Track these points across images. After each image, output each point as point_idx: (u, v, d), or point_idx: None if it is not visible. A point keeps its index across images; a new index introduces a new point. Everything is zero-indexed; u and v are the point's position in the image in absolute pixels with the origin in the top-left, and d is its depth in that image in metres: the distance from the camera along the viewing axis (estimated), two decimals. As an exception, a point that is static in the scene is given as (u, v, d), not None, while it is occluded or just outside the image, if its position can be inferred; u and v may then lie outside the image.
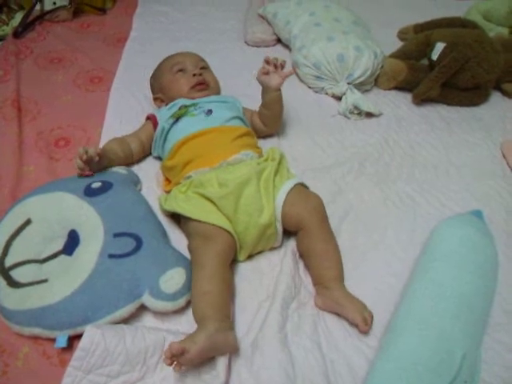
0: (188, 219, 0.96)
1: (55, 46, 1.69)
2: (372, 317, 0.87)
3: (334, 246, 0.98)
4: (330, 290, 0.90)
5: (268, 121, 1.25)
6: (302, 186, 1.05)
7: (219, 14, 1.98)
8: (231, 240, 0.94)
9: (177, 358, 0.73)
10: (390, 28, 1.83)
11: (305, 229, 0.97)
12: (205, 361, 0.78)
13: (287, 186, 1.01)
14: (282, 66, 1.17)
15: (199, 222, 0.94)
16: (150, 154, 1.21)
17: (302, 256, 0.99)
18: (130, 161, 1.17)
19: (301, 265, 0.99)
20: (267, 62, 1.17)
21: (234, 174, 1.00)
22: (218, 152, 1.06)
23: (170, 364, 0.74)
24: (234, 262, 0.98)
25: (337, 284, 0.92)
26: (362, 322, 0.85)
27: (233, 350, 0.82)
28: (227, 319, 0.84)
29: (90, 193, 0.98)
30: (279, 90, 1.19)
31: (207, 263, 0.88)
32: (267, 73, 1.17)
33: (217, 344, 0.78)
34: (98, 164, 1.05)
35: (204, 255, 0.89)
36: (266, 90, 1.20)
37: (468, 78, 1.43)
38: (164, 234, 0.99)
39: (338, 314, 0.90)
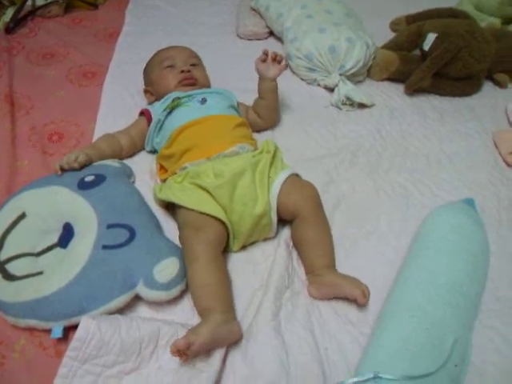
0: (181, 209, 0.97)
1: (47, 42, 1.69)
2: (368, 290, 0.88)
3: (327, 234, 0.99)
4: (321, 277, 0.91)
5: (264, 112, 1.26)
6: (297, 176, 1.06)
7: (211, 8, 1.97)
8: (222, 229, 0.94)
9: (183, 352, 0.74)
10: (382, 19, 1.82)
11: (300, 217, 0.98)
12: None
13: (282, 176, 1.02)
14: (279, 61, 1.21)
15: (192, 211, 0.94)
16: (142, 149, 1.22)
17: (295, 245, 1.00)
18: (118, 157, 1.17)
19: (294, 255, 1.00)
20: (266, 53, 1.21)
21: (230, 166, 1.01)
22: (215, 142, 1.07)
23: (179, 357, 0.75)
24: (227, 252, 0.99)
25: (328, 270, 0.93)
26: (360, 295, 0.86)
27: (238, 338, 0.83)
28: (230, 309, 0.86)
29: (83, 186, 0.99)
30: (275, 80, 1.22)
31: (200, 254, 0.88)
32: (264, 61, 1.21)
33: (220, 336, 0.79)
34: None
35: (196, 246, 0.90)
36: (262, 79, 1.23)
37: (460, 68, 1.43)
38: (157, 225, 0.99)
39: (333, 299, 0.91)
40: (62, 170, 1.04)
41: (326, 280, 0.90)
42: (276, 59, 1.20)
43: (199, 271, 0.87)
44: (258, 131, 1.29)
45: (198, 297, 0.86)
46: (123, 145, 1.17)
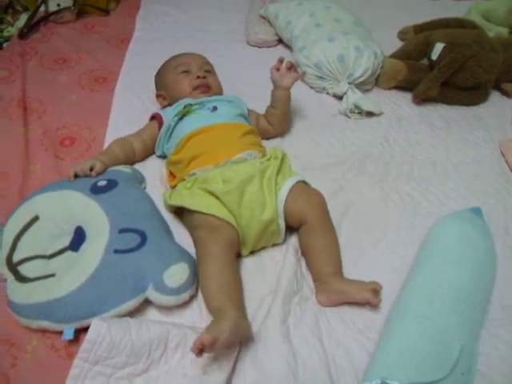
0: (192, 213, 0.98)
1: (60, 47, 1.71)
2: (380, 286, 0.89)
3: (334, 242, 1.00)
4: (329, 284, 0.92)
5: (275, 120, 1.28)
6: (304, 183, 1.07)
7: (221, 15, 1.99)
8: (235, 233, 0.96)
9: (207, 348, 0.74)
10: (390, 28, 1.85)
11: (307, 224, 0.99)
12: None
13: (289, 183, 1.03)
14: (295, 69, 1.25)
15: (203, 214, 0.96)
16: (153, 153, 1.23)
17: (302, 252, 1.01)
18: (131, 161, 1.19)
19: (303, 261, 1.00)
20: (281, 61, 1.24)
21: (238, 172, 1.02)
22: (223, 149, 1.08)
23: (200, 354, 0.74)
24: (237, 256, 0.99)
25: (335, 277, 0.93)
26: (371, 296, 0.87)
27: (245, 337, 0.84)
28: (243, 308, 0.87)
29: (95, 191, 1.01)
30: (289, 89, 1.25)
31: (217, 254, 0.90)
32: (279, 69, 1.24)
33: (241, 331, 0.81)
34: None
35: (211, 247, 0.91)
36: (276, 87, 1.26)
37: (467, 78, 1.44)
38: (168, 231, 1.01)
39: (341, 305, 0.91)
40: (76, 176, 1.06)
41: (334, 287, 0.91)
42: (291, 68, 1.23)
43: (215, 271, 0.88)
44: (268, 138, 1.30)
45: (212, 295, 0.87)
46: (136, 149, 1.18)
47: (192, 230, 1.00)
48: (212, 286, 0.87)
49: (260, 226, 0.98)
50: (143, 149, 1.20)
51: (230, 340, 0.77)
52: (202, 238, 0.94)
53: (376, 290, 0.89)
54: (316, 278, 0.96)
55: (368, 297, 0.88)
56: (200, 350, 0.74)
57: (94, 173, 1.06)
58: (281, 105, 1.27)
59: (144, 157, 1.22)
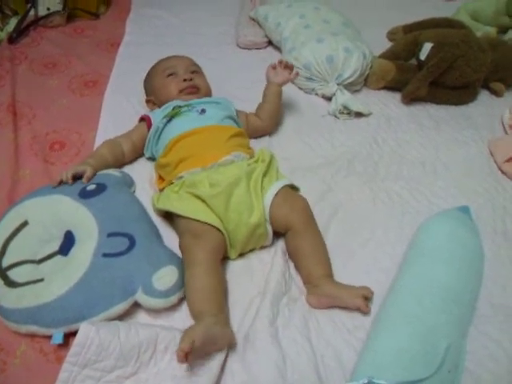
0: (179, 217, 0.99)
1: (49, 51, 1.71)
2: (371, 292, 0.90)
3: (321, 245, 1.00)
4: (320, 287, 0.92)
5: (265, 115, 1.30)
6: (291, 187, 1.07)
7: (212, 18, 1.99)
8: (221, 238, 0.96)
9: (188, 354, 0.75)
10: (379, 28, 1.85)
11: (292, 230, 0.99)
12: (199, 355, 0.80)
13: (275, 187, 1.03)
14: (291, 69, 1.31)
15: (190, 219, 0.96)
16: (143, 154, 1.24)
17: (290, 256, 1.01)
18: (120, 163, 1.19)
19: (291, 263, 1.01)
20: (280, 61, 1.31)
21: (225, 175, 1.02)
22: (211, 152, 1.08)
23: (185, 361, 0.76)
24: (225, 259, 1.00)
25: (326, 279, 0.93)
26: (362, 304, 0.88)
27: (230, 344, 0.84)
28: (222, 314, 0.87)
29: (84, 195, 1.01)
30: (280, 86, 1.31)
31: (200, 260, 0.90)
32: (275, 68, 1.30)
33: (214, 336, 0.80)
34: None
35: (196, 252, 0.91)
36: (269, 83, 1.31)
37: (456, 77, 1.45)
38: (157, 234, 1.01)
39: (331, 308, 0.92)
40: (61, 183, 1.05)
41: (326, 291, 0.91)
42: (287, 66, 1.30)
43: (196, 276, 0.89)
44: (257, 137, 1.31)
45: (192, 300, 0.87)
46: (125, 150, 1.19)
47: (179, 234, 1.01)
48: (192, 291, 0.88)
49: (248, 230, 0.98)
50: (132, 150, 1.20)
51: (203, 342, 0.77)
52: (188, 245, 0.94)
53: (367, 296, 0.89)
54: (307, 280, 0.96)
55: (359, 304, 0.88)
56: (183, 358, 0.75)
57: (84, 179, 1.06)
58: (272, 100, 1.30)
59: (133, 158, 1.23)
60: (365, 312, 0.89)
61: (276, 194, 1.02)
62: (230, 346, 0.84)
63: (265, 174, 1.06)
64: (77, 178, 1.06)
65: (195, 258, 0.91)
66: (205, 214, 0.97)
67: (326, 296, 0.91)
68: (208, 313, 0.83)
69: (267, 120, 1.31)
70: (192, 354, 0.76)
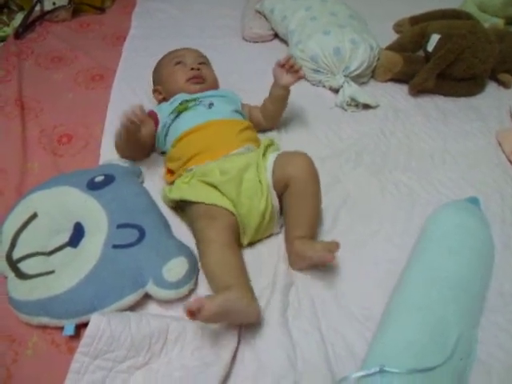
0: (192, 205, 0.99)
1: (55, 46, 1.71)
2: (337, 244, 0.89)
3: (311, 204, 0.99)
4: (293, 248, 0.94)
5: (268, 115, 1.28)
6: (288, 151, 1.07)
7: (217, 11, 2.00)
8: (235, 220, 0.96)
9: (194, 314, 0.75)
10: (386, 20, 1.85)
11: (291, 185, 0.98)
12: (207, 344, 0.80)
13: (272, 156, 1.04)
14: (297, 71, 1.19)
15: (203, 204, 0.96)
16: (151, 151, 1.24)
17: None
18: (143, 151, 1.21)
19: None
20: (287, 58, 1.19)
21: (235, 163, 1.03)
22: (221, 146, 1.08)
23: (191, 318, 0.76)
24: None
25: (299, 240, 0.94)
26: (326, 256, 0.88)
27: (255, 320, 0.84)
28: (248, 288, 0.86)
29: (93, 186, 1.01)
30: (288, 88, 1.23)
31: (216, 238, 0.90)
32: (282, 66, 1.20)
33: (234, 310, 0.79)
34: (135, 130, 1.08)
35: (210, 233, 0.91)
36: (276, 85, 1.24)
37: (463, 69, 1.45)
38: (166, 225, 1.01)
39: (338, 294, 0.93)
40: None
41: (296, 250, 0.93)
42: (293, 68, 1.19)
43: (215, 252, 0.89)
44: (262, 131, 1.31)
45: (215, 276, 0.87)
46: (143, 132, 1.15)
47: (192, 222, 1.00)
48: (213, 266, 0.88)
49: (259, 214, 0.98)
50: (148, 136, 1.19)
51: (219, 313, 0.77)
52: (202, 228, 0.94)
53: (330, 249, 0.88)
54: (286, 242, 0.98)
55: (324, 258, 0.88)
56: (189, 314, 0.75)
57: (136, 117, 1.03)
58: (277, 103, 1.26)
59: (144, 154, 1.22)
60: (328, 260, 0.89)
61: (275, 159, 1.02)
62: (256, 321, 0.84)
63: (264, 155, 1.06)
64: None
65: (211, 236, 0.91)
66: (218, 199, 0.97)
67: (296, 255, 0.93)
68: (234, 286, 0.82)
69: (269, 120, 1.30)
70: (202, 319, 0.76)
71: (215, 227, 0.92)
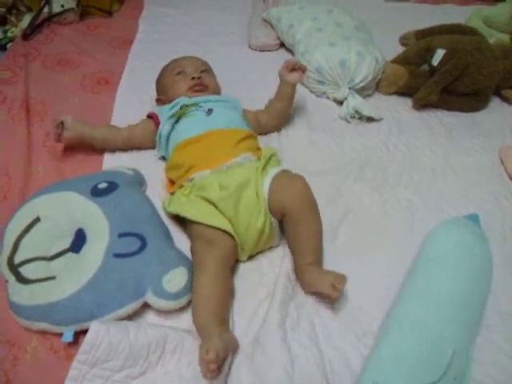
0: (191, 222, 0.99)
1: (62, 48, 1.72)
2: (344, 279, 0.89)
3: (309, 230, 0.98)
4: (301, 275, 0.95)
5: (274, 113, 1.32)
6: (286, 171, 1.06)
7: (223, 18, 2.01)
8: (233, 244, 0.96)
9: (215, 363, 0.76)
10: (392, 33, 1.85)
11: (287, 214, 0.98)
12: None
13: (270, 174, 1.04)
14: (303, 70, 1.30)
15: (201, 224, 0.96)
16: (138, 148, 1.26)
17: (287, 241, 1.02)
18: (112, 142, 1.23)
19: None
20: (291, 62, 1.30)
21: (234, 177, 1.02)
22: (220, 156, 1.08)
23: (215, 372, 0.76)
24: (235, 261, 1.00)
25: (307, 267, 0.95)
26: (330, 291, 0.88)
27: (235, 349, 0.85)
28: (225, 323, 0.87)
29: (96, 193, 1.01)
30: (295, 86, 1.31)
31: (210, 268, 0.90)
32: (289, 67, 1.29)
33: (228, 343, 0.81)
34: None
35: (206, 260, 0.92)
36: (283, 83, 1.31)
37: (468, 84, 1.45)
38: (168, 235, 1.01)
39: (337, 310, 0.93)
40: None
41: (305, 279, 0.94)
42: (301, 68, 1.29)
43: (205, 285, 0.88)
44: (267, 134, 1.33)
45: (198, 309, 0.87)
46: (122, 133, 1.22)
47: (191, 239, 1.01)
48: (198, 300, 0.88)
49: (257, 232, 0.98)
50: (128, 136, 1.23)
51: (226, 353, 0.79)
52: (198, 252, 0.95)
53: (335, 286, 0.88)
54: (295, 269, 0.98)
55: (328, 291, 0.89)
56: (216, 368, 0.76)
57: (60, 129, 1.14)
58: (285, 100, 1.32)
59: (126, 146, 1.24)
60: (332, 298, 0.90)
61: (271, 182, 1.02)
62: (235, 350, 0.85)
63: (263, 169, 1.06)
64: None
65: (205, 265, 0.91)
66: (215, 219, 0.97)
67: (306, 284, 0.94)
68: (213, 324, 0.83)
69: (276, 118, 1.33)
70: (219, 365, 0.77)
71: (212, 255, 0.92)
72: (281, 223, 1.02)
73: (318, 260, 0.98)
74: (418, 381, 0.76)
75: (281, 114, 1.33)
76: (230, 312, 0.91)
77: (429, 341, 0.82)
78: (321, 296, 0.94)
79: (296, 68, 1.29)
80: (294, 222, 0.98)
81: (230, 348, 0.82)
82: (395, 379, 0.77)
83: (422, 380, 0.76)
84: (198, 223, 0.97)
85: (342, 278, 0.89)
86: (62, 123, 1.15)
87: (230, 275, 0.95)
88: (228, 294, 0.92)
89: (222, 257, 0.93)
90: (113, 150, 1.24)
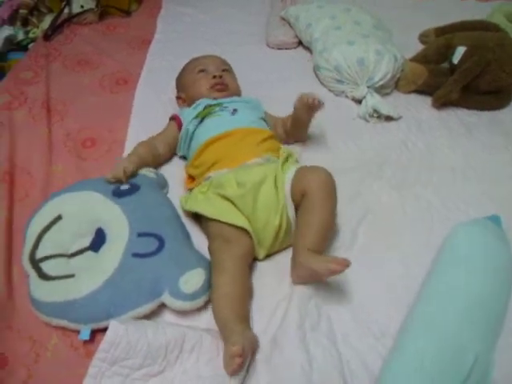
0: (208, 220, 1.00)
1: (82, 48, 1.74)
2: (346, 260, 0.84)
3: (322, 218, 0.95)
4: (297, 259, 0.91)
5: (291, 134, 1.28)
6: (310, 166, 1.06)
7: (242, 16, 2.00)
8: (250, 242, 0.96)
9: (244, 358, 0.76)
10: (411, 31, 1.82)
11: (305, 196, 0.96)
12: (222, 355, 0.81)
13: (291, 171, 1.03)
14: (318, 107, 1.17)
15: (219, 222, 0.97)
16: (175, 154, 1.26)
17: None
18: (157, 163, 1.21)
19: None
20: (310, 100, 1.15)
21: (252, 174, 1.03)
22: (241, 155, 1.09)
23: (239, 367, 0.76)
24: (253, 260, 1.00)
25: (304, 251, 0.90)
26: (325, 269, 0.85)
27: (256, 348, 0.85)
28: (246, 321, 0.87)
29: (118, 194, 1.03)
30: (311, 117, 1.22)
31: (229, 268, 0.90)
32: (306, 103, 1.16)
33: (250, 341, 0.81)
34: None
35: (225, 259, 0.92)
36: (299, 113, 1.20)
37: (489, 82, 1.43)
38: (187, 236, 1.02)
39: (355, 310, 0.92)
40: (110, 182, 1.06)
41: (301, 261, 0.90)
42: (314, 104, 1.16)
43: (224, 284, 0.89)
44: (286, 142, 1.31)
45: (218, 307, 0.87)
46: (161, 152, 1.21)
47: (208, 237, 1.01)
48: (218, 299, 0.88)
49: (274, 229, 0.98)
50: (168, 151, 1.23)
51: (250, 349, 0.80)
52: (216, 250, 0.95)
53: (338, 263, 0.84)
54: (293, 252, 0.95)
55: (322, 269, 0.85)
56: (239, 364, 0.76)
57: (124, 177, 1.06)
58: (299, 127, 1.26)
59: (169, 158, 1.25)
60: (336, 271, 0.84)
61: (295, 173, 1.02)
62: (255, 349, 0.85)
63: (283, 164, 1.06)
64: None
65: (224, 265, 0.91)
66: (233, 216, 0.97)
67: (300, 267, 0.90)
68: (234, 321, 0.83)
69: (292, 138, 1.29)
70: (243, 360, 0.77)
71: (230, 254, 0.92)
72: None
73: (320, 250, 0.94)
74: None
75: (296, 136, 1.29)
76: (249, 311, 0.91)
77: (451, 345, 0.80)
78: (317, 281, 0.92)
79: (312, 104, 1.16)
80: (309, 205, 0.95)
81: (253, 345, 0.83)
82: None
83: (443, 385, 0.75)
84: (215, 221, 0.98)
85: (344, 260, 0.85)
86: (125, 172, 1.08)
87: (248, 273, 0.95)
88: (247, 293, 0.92)
89: (241, 255, 0.93)
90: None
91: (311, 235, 0.93)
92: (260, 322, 0.90)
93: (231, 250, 0.93)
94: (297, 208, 1.00)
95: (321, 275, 0.88)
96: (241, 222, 0.97)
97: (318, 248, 0.93)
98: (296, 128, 1.26)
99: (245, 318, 0.87)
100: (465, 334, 0.82)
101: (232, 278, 0.89)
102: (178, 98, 1.36)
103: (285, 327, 0.87)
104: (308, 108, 1.17)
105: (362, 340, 0.88)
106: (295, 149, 1.24)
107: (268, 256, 1.02)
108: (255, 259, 1.01)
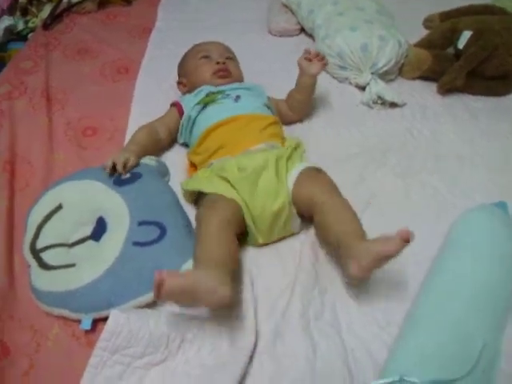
0: (203, 196, 0.99)
1: (82, 37, 1.73)
2: (407, 233, 0.81)
3: (349, 211, 0.94)
4: (354, 249, 0.84)
5: (297, 105, 1.29)
6: (315, 169, 1.04)
7: (243, 4, 1.99)
8: (237, 208, 0.94)
9: (159, 287, 0.73)
10: (415, 16, 1.80)
11: (317, 205, 0.95)
12: (225, 343, 0.80)
13: (297, 169, 1.02)
14: (321, 59, 1.24)
15: (213, 194, 0.96)
16: (176, 141, 1.24)
17: (322, 237, 0.98)
18: (158, 149, 1.20)
19: (321, 253, 0.99)
20: (308, 51, 1.24)
21: (254, 160, 1.02)
22: (244, 141, 1.08)
23: (158, 295, 0.74)
24: (255, 247, 1.00)
25: (359, 240, 0.86)
26: (399, 241, 0.81)
27: (224, 304, 0.78)
28: (226, 275, 0.80)
29: (118, 182, 1.02)
30: (315, 77, 1.25)
31: (213, 224, 0.88)
32: (309, 60, 1.23)
33: (203, 289, 0.75)
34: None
35: (207, 219, 0.90)
36: (303, 74, 1.25)
37: (497, 66, 1.40)
38: (188, 224, 1.01)
39: (361, 300, 0.90)
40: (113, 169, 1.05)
41: (361, 249, 0.83)
42: (318, 57, 1.23)
43: (205, 239, 0.87)
44: (289, 124, 1.31)
45: (197, 260, 0.85)
46: (162, 137, 1.20)
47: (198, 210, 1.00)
48: (198, 253, 0.86)
49: (272, 215, 0.97)
50: (168, 135, 1.21)
51: (186, 289, 0.75)
52: (202, 214, 0.94)
53: (404, 238, 0.80)
54: (338, 246, 0.87)
55: (396, 242, 0.80)
56: (157, 286, 0.73)
57: (127, 167, 1.05)
58: (306, 91, 1.27)
59: (169, 144, 1.23)
60: (407, 241, 0.80)
61: (298, 175, 1.01)
62: (224, 306, 0.79)
63: (288, 158, 1.05)
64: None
65: (207, 223, 0.89)
66: (227, 191, 0.96)
67: (362, 254, 0.82)
68: (208, 267, 0.80)
69: (297, 111, 1.30)
70: (165, 294, 0.74)
71: (215, 215, 0.90)
72: (303, 216, 1.00)
73: (364, 234, 0.90)
74: (446, 375, 0.74)
75: (301, 105, 1.30)
76: (231, 270, 0.86)
77: (458, 333, 0.79)
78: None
79: (316, 57, 1.23)
80: (327, 206, 0.94)
81: (205, 296, 0.76)
82: (422, 372, 0.74)
83: (450, 374, 0.74)
84: (210, 193, 0.97)
85: (404, 232, 0.80)
86: (125, 164, 1.06)
87: (234, 240, 0.91)
88: (230, 255, 0.87)
89: (224, 217, 0.90)
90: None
91: (355, 230, 0.90)
92: (263, 310, 0.89)
93: (217, 211, 0.91)
94: (297, 208, 0.99)
95: (392, 252, 0.82)
96: (234, 195, 0.95)
97: (363, 233, 0.90)
98: (301, 95, 1.27)
99: (222, 271, 0.80)
100: (471, 321, 0.81)
101: (216, 233, 0.87)
102: (178, 83, 1.34)
103: (287, 317, 0.86)
104: (311, 65, 1.22)
105: (367, 328, 0.87)
106: (299, 135, 1.23)
107: (271, 244, 1.01)
108: (255, 245, 0.99)
